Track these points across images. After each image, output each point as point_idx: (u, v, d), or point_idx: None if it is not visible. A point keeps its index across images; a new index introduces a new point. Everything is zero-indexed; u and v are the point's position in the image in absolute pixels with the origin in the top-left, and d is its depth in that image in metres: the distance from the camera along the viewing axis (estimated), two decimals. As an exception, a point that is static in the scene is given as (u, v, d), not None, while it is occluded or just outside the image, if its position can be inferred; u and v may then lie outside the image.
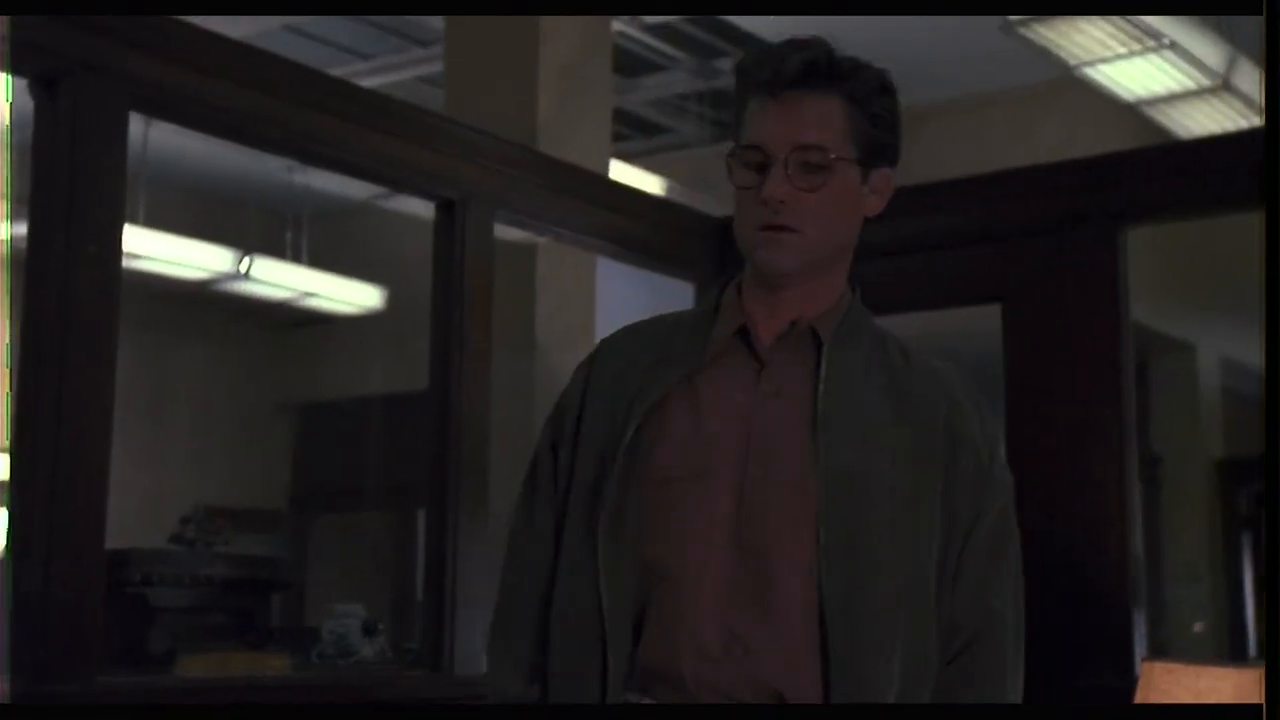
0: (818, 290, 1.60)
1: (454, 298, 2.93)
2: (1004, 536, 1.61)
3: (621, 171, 4.56)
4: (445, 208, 2.99)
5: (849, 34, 5.14)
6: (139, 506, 4.25)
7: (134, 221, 4.89)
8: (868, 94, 1.56)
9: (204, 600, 3.24)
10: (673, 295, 3.58)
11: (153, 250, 5.51)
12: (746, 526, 1.51)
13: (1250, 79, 4.25)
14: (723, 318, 1.62)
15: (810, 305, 1.59)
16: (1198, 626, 5.59)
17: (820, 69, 1.55)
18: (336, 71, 5.22)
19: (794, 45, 1.56)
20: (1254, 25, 4.52)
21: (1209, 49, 4.05)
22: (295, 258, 6.57)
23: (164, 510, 4.86)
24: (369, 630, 3.27)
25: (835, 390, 1.55)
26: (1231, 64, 4.16)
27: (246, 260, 5.99)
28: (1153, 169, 3.21)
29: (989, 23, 4.07)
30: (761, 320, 1.60)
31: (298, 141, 2.78)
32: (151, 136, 4.19)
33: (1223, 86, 4.17)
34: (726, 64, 5.67)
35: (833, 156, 1.53)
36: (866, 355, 1.60)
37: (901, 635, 1.50)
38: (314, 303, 6.35)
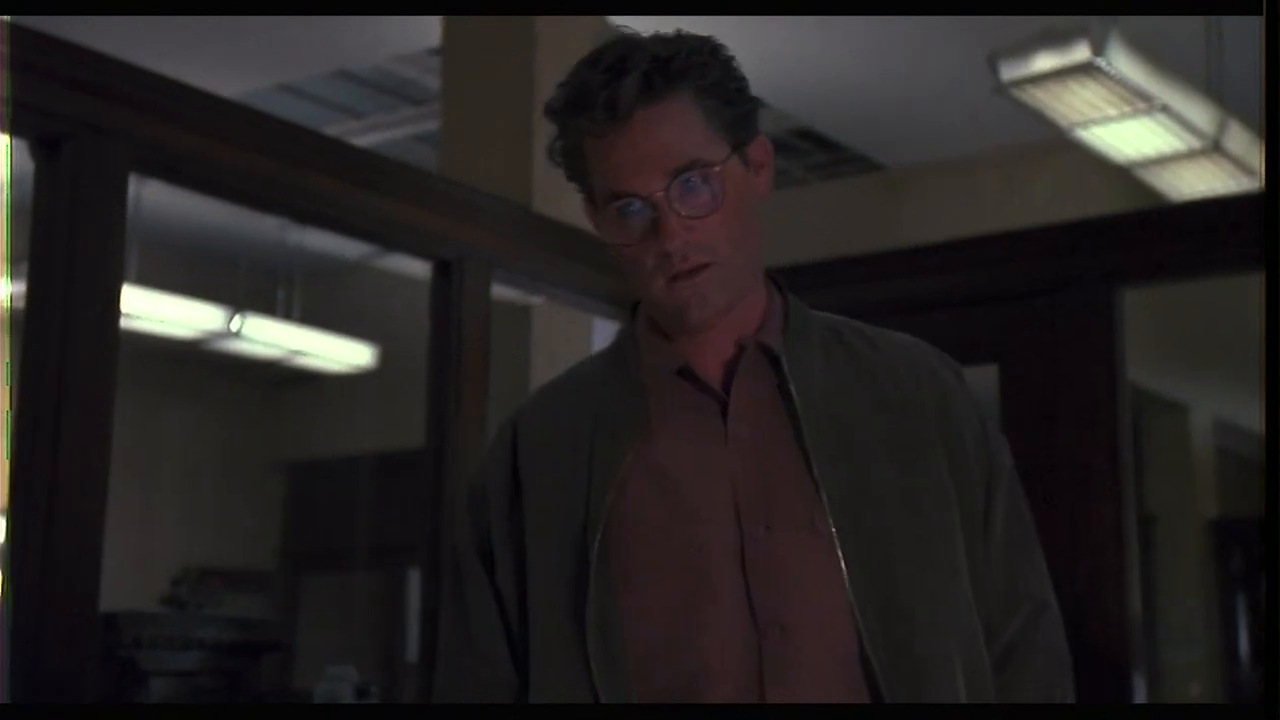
0: (747, 303, 1.40)
1: (450, 358, 2.93)
2: (1020, 514, 1.44)
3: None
4: (441, 268, 2.99)
5: (836, 95, 5.16)
6: (127, 567, 4.21)
7: (125, 280, 4.88)
8: (710, 74, 1.35)
9: (195, 664, 3.20)
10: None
11: (143, 308, 5.50)
12: (761, 599, 1.30)
13: (1240, 141, 4.28)
14: (650, 361, 1.39)
15: (745, 320, 1.39)
16: (1195, 690, 5.56)
17: (655, 78, 1.32)
18: (330, 130, 5.25)
19: (608, 63, 1.33)
20: (1243, 86, 4.57)
21: (1199, 111, 4.08)
22: (287, 316, 6.56)
23: (152, 571, 4.83)
24: (361, 693, 3.24)
25: (814, 405, 1.35)
26: (1222, 126, 4.19)
27: (238, 318, 5.98)
28: (1148, 231, 3.23)
29: (982, 84, 4.10)
30: (700, 353, 1.38)
31: (292, 201, 2.78)
32: (143, 194, 4.20)
33: (1213, 149, 4.20)
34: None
35: (716, 168, 1.32)
36: (826, 353, 1.41)
37: (957, 652, 1.32)
38: (305, 361, 6.33)
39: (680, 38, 1.36)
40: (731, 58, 1.38)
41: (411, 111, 5.77)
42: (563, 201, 3.56)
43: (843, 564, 1.30)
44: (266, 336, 6.07)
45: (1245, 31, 4.56)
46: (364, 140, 5.62)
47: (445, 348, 2.94)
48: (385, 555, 6.70)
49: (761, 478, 1.33)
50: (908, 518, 1.34)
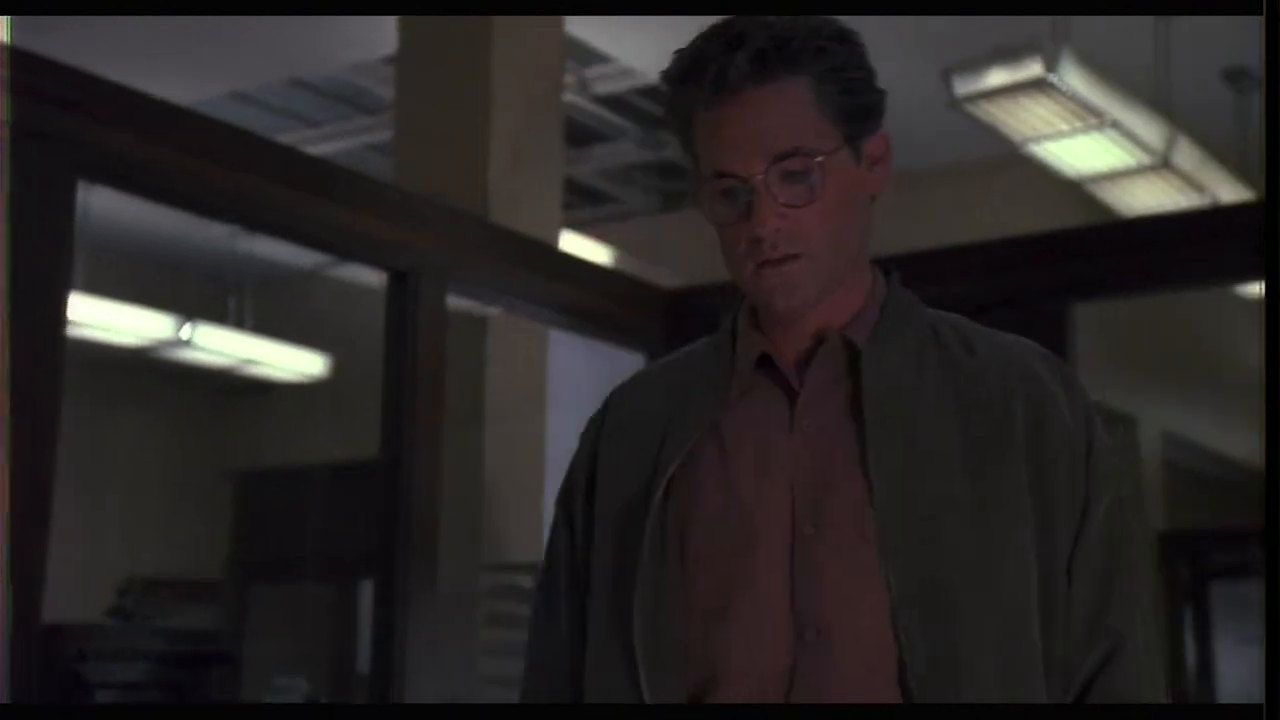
0: (842, 296, 1.35)
1: (405, 369, 2.91)
2: (1118, 541, 1.33)
3: (570, 241, 4.56)
4: (397, 278, 2.98)
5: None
6: (73, 577, 4.16)
7: (73, 287, 4.82)
8: (831, 60, 1.30)
9: (141, 676, 3.16)
10: (624, 366, 3.57)
11: (91, 316, 5.44)
12: (802, 599, 1.26)
13: (1188, 157, 4.34)
14: (741, 347, 1.36)
15: (837, 312, 1.35)
16: (1142, 700, 5.57)
17: (771, 56, 1.27)
18: (284, 138, 5.21)
19: (728, 36, 1.29)
20: (1191, 103, 4.63)
21: (1149, 127, 4.13)
22: (238, 324, 6.50)
23: (99, 582, 4.76)
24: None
25: (882, 404, 1.30)
26: (1171, 143, 4.24)
27: (188, 327, 5.92)
28: (1100, 246, 3.26)
29: (936, 99, 4.13)
30: (784, 342, 1.35)
31: (245, 209, 2.76)
32: (91, 200, 4.15)
33: (1162, 164, 4.25)
34: (673, 135, 5.71)
35: (819, 159, 1.28)
36: (917, 353, 1.34)
37: (1004, 676, 1.25)
38: (257, 370, 6.28)
39: (806, 19, 1.31)
40: (860, 45, 1.33)
41: (366, 121, 5.74)
42: (518, 212, 3.55)
43: (886, 571, 1.25)
44: (217, 345, 6.02)
45: (1193, 49, 4.62)
46: (318, 149, 5.58)
47: (400, 358, 2.93)
48: (337, 566, 6.64)
49: (819, 474, 1.30)
50: (966, 530, 1.26)
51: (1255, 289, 4.72)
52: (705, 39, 1.31)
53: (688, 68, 1.31)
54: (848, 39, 1.32)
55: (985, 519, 1.27)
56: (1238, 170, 4.68)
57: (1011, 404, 1.32)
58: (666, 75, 1.33)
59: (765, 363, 1.35)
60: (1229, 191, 4.48)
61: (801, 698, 1.25)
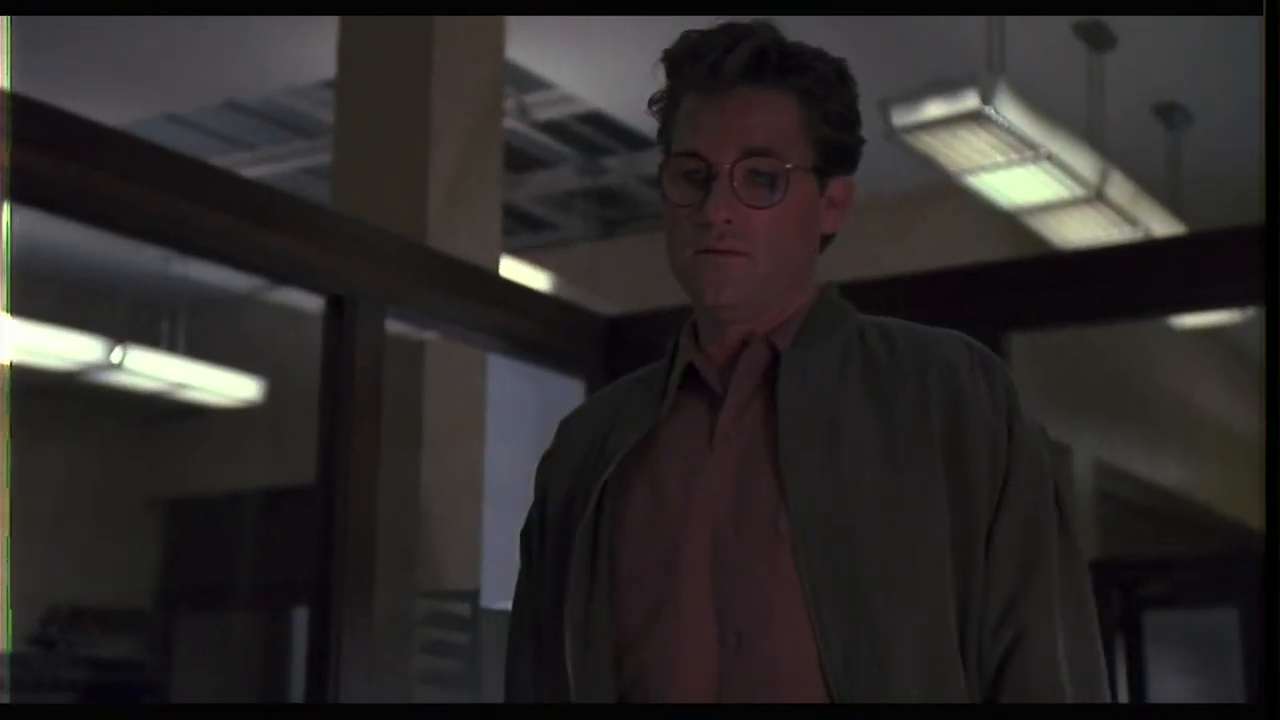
0: (775, 310, 1.36)
1: (342, 395, 2.88)
2: (1038, 526, 1.30)
3: (509, 267, 4.55)
4: (334, 303, 2.95)
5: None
6: (-2, 606, 4.07)
7: None
8: (825, 88, 1.32)
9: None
10: (563, 393, 3.56)
11: (16, 339, 5.34)
12: (726, 601, 1.27)
13: (1121, 190, 4.40)
14: (677, 359, 1.38)
15: (767, 322, 1.36)
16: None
17: (770, 60, 1.30)
18: (217, 161, 5.16)
19: (735, 32, 1.32)
20: (1125, 137, 4.70)
21: (1083, 160, 4.18)
22: (171, 348, 6.42)
23: (22, 610, 4.66)
24: (242, 737, 3.15)
25: (796, 405, 1.30)
26: (1104, 175, 4.30)
27: (118, 350, 5.83)
28: (1035, 277, 3.29)
29: (871, 128, 4.16)
30: (716, 352, 1.36)
31: (177, 233, 2.72)
32: (15, 221, 4.09)
33: (1096, 197, 4.31)
34: (613, 161, 5.72)
35: (788, 166, 1.29)
36: (840, 355, 1.34)
37: (919, 672, 1.24)
38: (189, 394, 6.19)
39: (812, 48, 1.34)
40: (854, 90, 1.35)
41: (303, 144, 5.70)
42: (457, 237, 3.54)
43: (800, 570, 1.25)
44: (149, 369, 5.93)
45: (1126, 84, 4.69)
46: (254, 172, 5.53)
47: (337, 383, 2.90)
48: (269, 593, 6.56)
49: (738, 478, 1.30)
50: (881, 526, 1.26)
51: (1186, 321, 4.79)
52: (714, 31, 1.33)
53: (689, 51, 1.33)
54: (845, 79, 1.35)
55: (900, 514, 1.27)
56: (1170, 204, 4.75)
57: (927, 397, 1.31)
58: (667, 54, 1.36)
59: (696, 373, 1.37)
60: (1161, 225, 4.55)
61: (729, 701, 1.25)
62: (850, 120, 1.34)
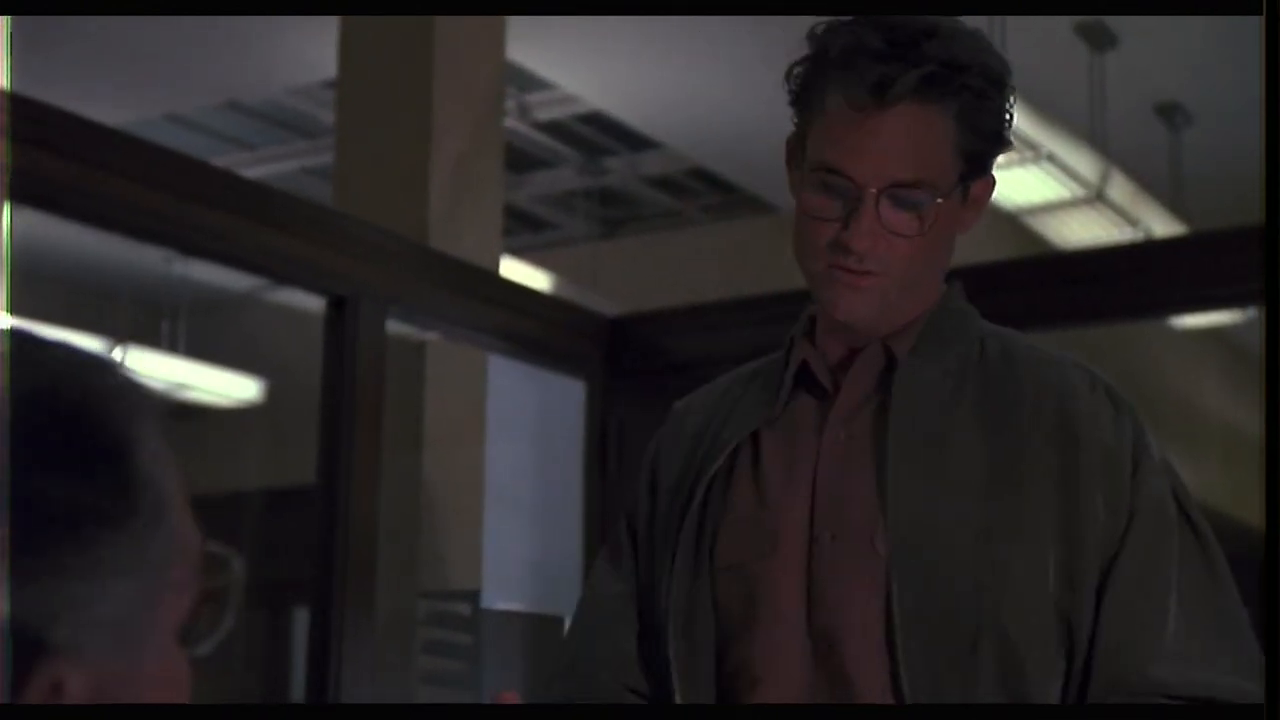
0: (900, 308, 1.32)
1: (343, 396, 2.88)
2: (1164, 565, 1.23)
3: (510, 267, 4.55)
4: (336, 304, 2.95)
5: (730, 136, 5.20)
6: None
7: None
8: (982, 102, 1.26)
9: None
10: (564, 394, 3.56)
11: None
12: (817, 608, 1.26)
13: (1122, 190, 4.40)
14: (793, 356, 1.36)
15: (888, 322, 1.32)
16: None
17: (939, 81, 1.23)
18: (219, 162, 5.16)
19: (896, 41, 1.23)
20: (1126, 138, 4.70)
21: (1084, 160, 4.19)
22: (172, 349, 6.42)
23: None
24: (243, 737, 3.15)
25: (907, 420, 1.27)
26: (1105, 176, 4.30)
27: (119, 350, 5.83)
28: (1035, 278, 3.29)
29: (874, 130, 4.17)
30: (832, 349, 1.34)
31: (179, 233, 2.72)
32: (15, 221, 4.09)
33: (1096, 197, 4.31)
34: (614, 162, 5.72)
35: (939, 200, 1.25)
36: (957, 369, 1.31)
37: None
38: (190, 395, 6.20)
39: (982, 50, 1.27)
40: (1009, 92, 1.30)
41: (304, 145, 5.70)
42: (458, 237, 3.54)
43: (892, 596, 1.22)
44: (149, 369, 5.93)
45: (1127, 84, 4.69)
46: (255, 172, 5.53)
47: (339, 384, 2.90)
48: (271, 594, 6.56)
49: (841, 485, 1.29)
50: (981, 550, 1.22)
51: (1188, 321, 4.80)
52: (872, 27, 1.24)
53: (847, 55, 1.25)
54: (1003, 85, 1.29)
55: (1001, 546, 1.23)
56: (1171, 204, 4.75)
57: (1044, 424, 1.27)
58: (818, 39, 1.28)
59: (810, 370, 1.35)
60: (1162, 225, 4.55)
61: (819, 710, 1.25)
62: (1000, 130, 1.30)
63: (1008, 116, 1.30)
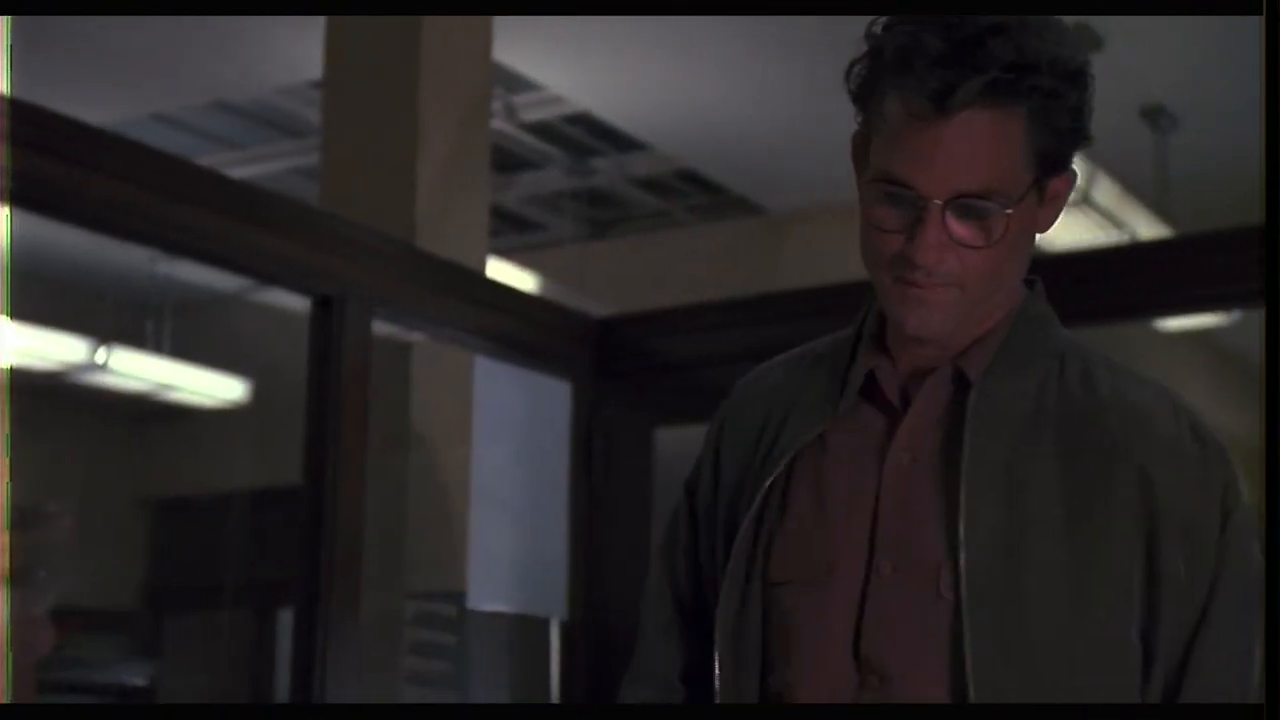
0: (975, 319, 1.25)
1: (329, 396, 2.88)
2: (1250, 629, 1.18)
3: (497, 268, 4.55)
4: (322, 304, 2.94)
5: (718, 137, 5.19)
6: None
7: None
8: (1054, 101, 1.17)
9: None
10: (551, 395, 3.55)
11: (2, 340, 5.32)
12: (869, 639, 1.20)
13: (1108, 193, 4.41)
14: (860, 356, 1.29)
15: (962, 340, 1.25)
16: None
17: (1005, 86, 1.15)
18: (205, 161, 5.15)
19: (958, 40, 1.14)
20: (1111, 141, 4.71)
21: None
22: (157, 349, 6.40)
23: (9, 611, 4.64)
24: (228, 738, 3.15)
25: (982, 449, 1.19)
26: (1090, 178, 4.31)
27: (103, 351, 5.82)
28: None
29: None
30: (903, 359, 1.27)
31: (165, 233, 2.72)
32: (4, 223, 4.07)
33: (1082, 200, 4.32)
34: (602, 162, 5.71)
35: (1008, 212, 1.17)
36: (1035, 393, 1.23)
37: None
38: (175, 395, 6.18)
39: (1055, 43, 1.18)
40: (1089, 87, 1.21)
41: (291, 144, 5.68)
42: (445, 238, 3.53)
43: (966, 635, 1.16)
44: (134, 370, 5.92)
45: (1112, 87, 4.70)
46: (241, 172, 5.52)
47: (324, 384, 2.89)
48: (257, 594, 6.55)
49: (904, 512, 1.22)
50: (1061, 597, 1.16)
51: (1173, 323, 4.81)
52: (932, 27, 1.16)
53: (904, 56, 1.16)
54: (1081, 79, 1.21)
55: (1081, 591, 1.17)
56: (1156, 207, 4.76)
57: (1126, 459, 1.20)
58: (876, 40, 1.20)
59: (872, 376, 1.28)
60: (1147, 228, 4.56)
61: None
62: (1077, 127, 1.21)
63: (1086, 110, 1.22)
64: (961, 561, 1.17)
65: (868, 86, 1.21)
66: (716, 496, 1.34)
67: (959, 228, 1.18)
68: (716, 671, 1.26)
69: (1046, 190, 1.23)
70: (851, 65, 1.23)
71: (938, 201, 1.16)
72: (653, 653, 1.38)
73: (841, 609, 1.22)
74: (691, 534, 1.38)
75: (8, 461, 2.17)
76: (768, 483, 1.26)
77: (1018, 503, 1.19)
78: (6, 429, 2.17)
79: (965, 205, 1.17)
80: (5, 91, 2.29)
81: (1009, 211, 1.17)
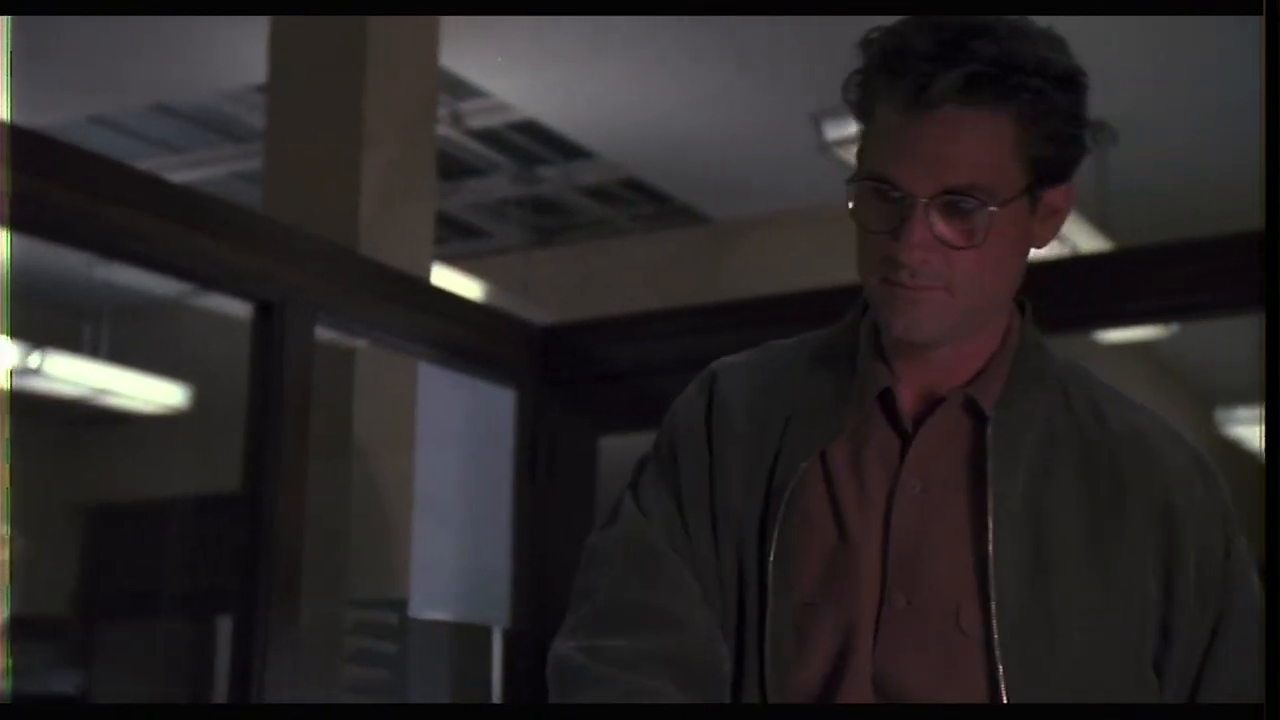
0: (975, 341, 1.24)
1: (270, 403, 2.85)
2: (1250, 659, 1.20)
3: (441, 275, 4.53)
4: (263, 310, 2.92)
5: (663, 146, 5.20)
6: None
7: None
8: (1044, 103, 1.16)
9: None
10: (495, 402, 3.54)
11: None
12: (886, 674, 1.19)
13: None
14: (865, 371, 1.26)
15: (966, 358, 1.24)
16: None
17: (986, 82, 1.14)
18: (145, 165, 5.09)
19: (947, 36, 1.14)
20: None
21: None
22: (93, 354, 6.32)
23: (-60, 619, 4.56)
24: (164, 749, 3.10)
25: (1005, 483, 1.19)
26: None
27: (37, 355, 5.73)
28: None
29: (806, 142, 4.18)
30: (907, 375, 1.25)
31: (103, 237, 2.68)
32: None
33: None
34: (548, 170, 5.71)
35: (991, 209, 1.15)
36: (1047, 427, 1.23)
37: None
38: (112, 401, 6.10)
39: (1045, 48, 1.17)
40: (1083, 92, 1.19)
41: (234, 149, 5.63)
42: (389, 244, 3.51)
43: (1001, 670, 1.15)
44: (70, 374, 5.84)
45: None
46: (183, 176, 5.46)
47: (265, 390, 2.87)
48: (194, 602, 6.48)
49: (916, 544, 1.20)
50: (1086, 629, 1.17)
51: (1113, 335, 4.86)
52: (916, 27, 1.17)
53: (889, 57, 1.17)
54: (1073, 83, 1.19)
55: (1108, 627, 1.18)
56: (1096, 220, 4.82)
57: (1141, 492, 1.21)
58: (868, 46, 1.20)
59: (884, 394, 1.25)
60: (1087, 241, 4.61)
61: None
62: (1071, 133, 1.19)
63: (1082, 118, 1.20)
64: (992, 597, 1.16)
65: (862, 95, 1.22)
66: (713, 476, 1.28)
67: (944, 226, 1.16)
68: (765, 687, 1.21)
69: (1041, 201, 1.21)
70: (850, 77, 1.23)
71: (923, 199, 1.16)
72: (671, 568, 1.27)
73: (863, 640, 1.20)
74: (676, 506, 1.30)
75: (8, 467, 2.13)
76: (787, 494, 1.23)
77: (1042, 536, 1.19)
78: (7, 433, 2.13)
79: (951, 203, 1.16)
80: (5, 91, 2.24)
81: (993, 209, 1.15)
